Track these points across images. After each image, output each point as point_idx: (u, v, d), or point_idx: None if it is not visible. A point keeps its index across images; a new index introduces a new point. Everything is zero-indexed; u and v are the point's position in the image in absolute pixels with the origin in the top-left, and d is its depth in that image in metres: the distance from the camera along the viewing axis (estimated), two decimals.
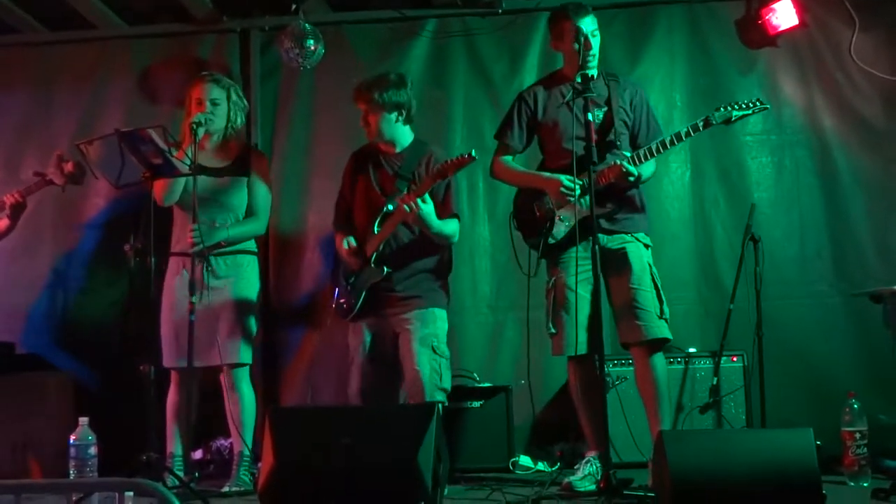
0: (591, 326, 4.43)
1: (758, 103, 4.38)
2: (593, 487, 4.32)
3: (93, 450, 4.18)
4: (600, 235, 4.46)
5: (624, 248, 4.53)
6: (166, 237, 4.96)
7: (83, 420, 4.21)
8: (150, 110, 5.76)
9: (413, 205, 4.57)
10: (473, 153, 4.52)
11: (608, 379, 4.83)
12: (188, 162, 4.60)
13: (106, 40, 5.98)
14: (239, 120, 5.05)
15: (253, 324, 4.97)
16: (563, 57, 4.75)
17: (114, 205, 5.77)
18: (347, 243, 4.83)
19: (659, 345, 4.48)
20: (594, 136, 4.27)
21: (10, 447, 5.04)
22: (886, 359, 4.76)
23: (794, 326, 5.37)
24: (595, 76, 4.60)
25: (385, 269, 4.72)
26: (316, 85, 5.84)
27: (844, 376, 5.17)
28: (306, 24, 5.49)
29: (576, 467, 4.59)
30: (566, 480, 4.45)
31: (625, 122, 4.62)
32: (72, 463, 4.17)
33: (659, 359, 4.49)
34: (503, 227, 5.62)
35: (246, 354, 4.92)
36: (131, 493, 3.58)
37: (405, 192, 4.72)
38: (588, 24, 4.54)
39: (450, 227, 4.78)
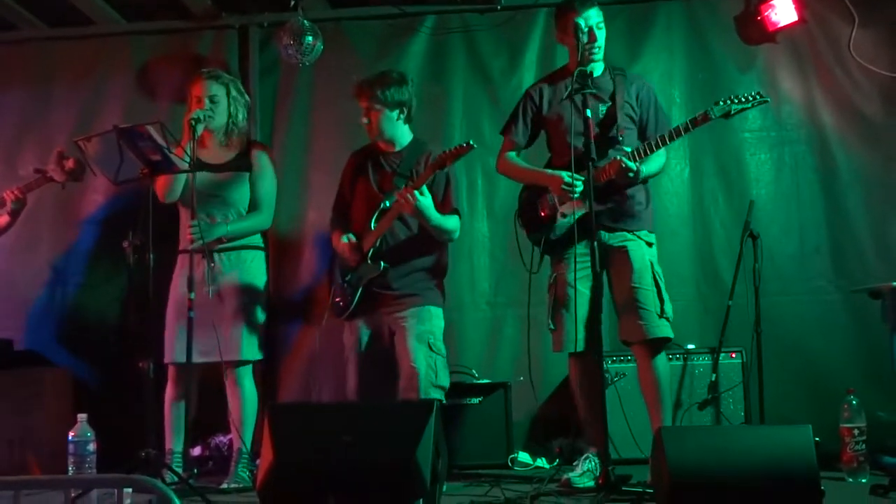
0: (591, 323, 4.43)
1: (757, 96, 4.32)
2: (592, 484, 4.32)
3: (91, 446, 4.17)
4: (602, 233, 4.46)
5: (625, 246, 4.51)
6: (166, 233, 4.95)
7: (82, 416, 4.21)
8: (149, 107, 5.76)
9: (410, 196, 4.57)
10: (472, 142, 4.52)
11: (606, 375, 4.83)
12: (187, 158, 4.60)
13: (105, 37, 5.98)
14: (240, 115, 5.04)
15: (258, 320, 4.97)
16: (568, 51, 4.73)
17: (113, 201, 5.77)
18: (348, 238, 4.82)
19: (660, 344, 4.47)
20: (592, 132, 4.27)
21: (8, 444, 5.04)
22: (885, 355, 4.76)
23: (793, 323, 5.37)
24: (602, 70, 4.60)
25: (382, 264, 4.72)
26: (315, 81, 5.83)
27: (843, 373, 5.17)
28: (305, 21, 5.48)
29: (574, 464, 4.59)
30: (565, 477, 4.46)
31: (630, 117, 4.58)
32: (70, 459, 4.17)
33: (661, 358, 4.48)
34: (502, 224, 5.64)
35: (249, 351, 4.92)
36: (130, 490, 3.57)
37: (402, 188, 4.72)
38: (593, 17, 4.52)
39: (450, 222, 4.78)
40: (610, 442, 4.27)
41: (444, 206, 4.76)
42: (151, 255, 4.48)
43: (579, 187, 4.39)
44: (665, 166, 4.77)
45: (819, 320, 5.40)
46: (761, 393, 4.93)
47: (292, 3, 5.53)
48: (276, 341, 5.61)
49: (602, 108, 4.55)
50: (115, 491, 2.69)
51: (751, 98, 4.32)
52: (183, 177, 4.83)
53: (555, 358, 5.25)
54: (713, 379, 5.12)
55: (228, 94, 5.01)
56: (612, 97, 4.56)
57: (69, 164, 4.94)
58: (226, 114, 5.00)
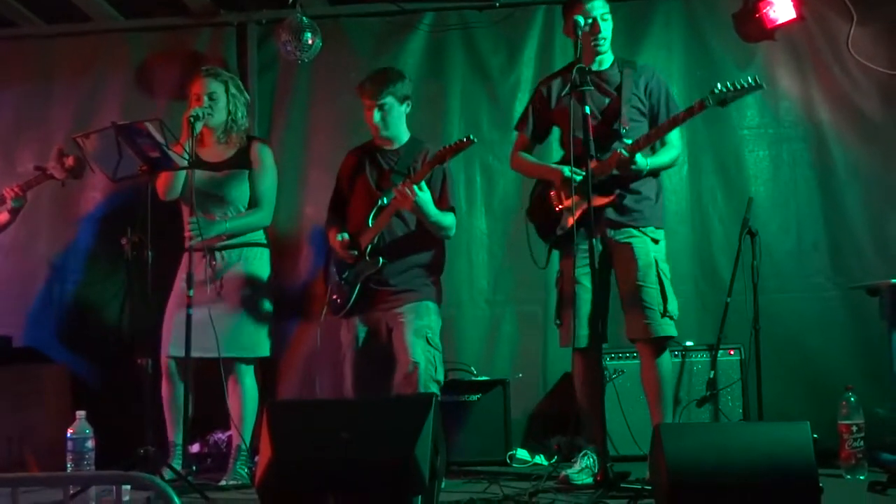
0: (595, 320, 4.43)
1: (752, 82, 4.21)
2: (590, 480, 4.32)
3: (90, 443, 4.17)
4: (607, 228, 4.45)
5: (630, 243, 4.49)
6: (165, 230, 4.95)
7: (80, 413, 4.21)
8: (148, 104, 5.76)
9: (409, 191, 4.57)
10: (472, 137, 4.51)
11: (605, 372, 4.83)
12: (186, 156, 4.59)
13: (103, 34, 5.97)
14: (240, 113, 5.04)
15: (262, 317, 4.97)
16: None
17: (111, 198, 5.77)
18: (342, 237, 4.82)
19: (663, 342, 4.47)
20: (591, 128, 4.27)
21: (6, 440, 5.04)
22: (883, 352, 4.78)
23: (791, 320, 5.37)
24: (610, 62, 4.60)
25: (380, 259, 4.72)
26: (313, 78, 5.83)
27: (841, 369, 5.17)
28: (303, 18, 5.48)
29: (573, 460, 4.59)
30: (563, 473, 4.45)
31: (638, 110, 4.55)
32: (69, 456, 4.17)
33: (664, 356, 4.48)
34: (500, 221, 5.65)
35: (253, 348, 4.92)
36: (128, 487, 3.57)
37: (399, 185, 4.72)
38: (597, 8, 4.51)
39: (447, 219, 4.78)
40: (608, 439, 4.27)
41: (440, 202, 4.76)
42: (150, 252, 4.48)
43: (582, 180, 4.35)
44: (678, 159, 4.71)
45: (817, 317, 5.40)
46: (759, 390, 4.94)
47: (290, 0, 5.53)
48: (275, 338, 5.59)
49: (606, 101, 4.53)
50: (114, 488, 2.68)
51: (745, 84, 4.22)
52: (183, 174, 4.84)
53: (553, 355, 5.27)
54: (711, 376, 5.12)
55: (227, 91, 5.01)
56: (618, 90, 4.55)
57: (69, 161, 4.94)
58: (225, 111, 4.99)
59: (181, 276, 4.90)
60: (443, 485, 4.01)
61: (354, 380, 4.82)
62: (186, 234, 4.77)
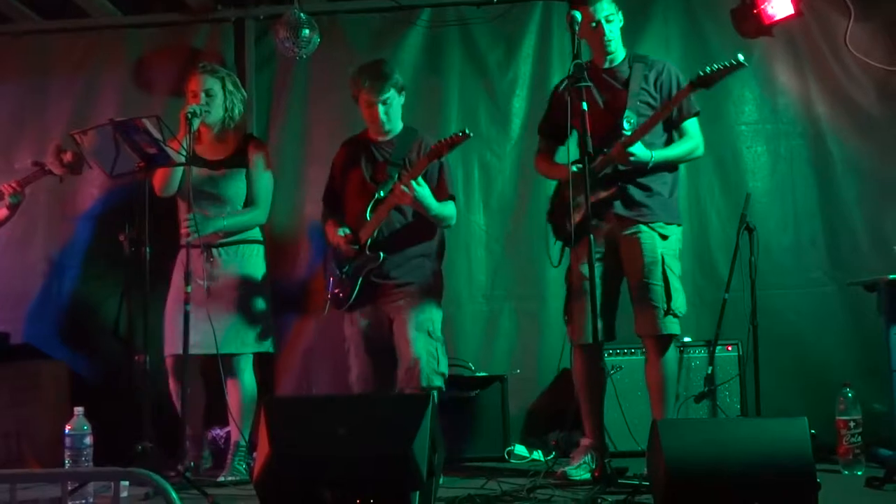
0: (602, 314, 4.40)
1: (735, 61, 4.19)
2: (588, 476, 4.32)
3: (88, 439, 4.18)
4: (615, 222, 4.46)
5: (637, 238, 4.48)
6: (163, 227, 4.95)
7: (78, 410, 4.21)
8: (145, 100, 5.75)
9: (408, 187, 4.57)
10: (467, 131, 4.51)
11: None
12: (184, 152, 4.59)
13: (100, 29, 5.96)
14: (237, 109, 5.03)
15: (258, 313, 4.97)
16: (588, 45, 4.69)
17: (109, 195, 5.76)
18: (343, 232, 4.82)
19: (666, 340, 4.47)
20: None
21: (4, 436, 5.04)
22: (881, 348, 4.77)
23: (789, 315, 5.38)
24: (622, 58, 4.60)
25: (381, 254, 4.72)
26: (311, 74, 5.83)
27: (839, 365, 5.19)
28: (301, 14, 5.47)
29: (571, 456, 4.59)
30: (561, 469, 4.45)
31: (648, 104, 4.51)
32: (67, 452, 4.17)
33: (669, 354, 4.48)
34: (498, 217, 5.66)
35: (248, 344, 4.92)
36: (127, 483, 3.58)
37: (396, 178, 4.71)
38: (601, 10, 4.51)
39: (448, 208, 4.78)
40: (606, 434, 4.27)
41: (439, 192, 4.75)
42: (148, 249, 4.48)
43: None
44: (695, 151, 4.61)
45: (815, 313, 5.40)
46: (757, 385, 4.94)
47: None
48: (275, 334, 5.60)
49: (615, 97, 4.51)
50: (112, 484, 2.69)
51: (729, 63, 4.20)
52: (180, 170, 4.84)
53: (551, 351, 5.27)
54: (709, 372, 5.12)
55: (224, 88, 5.00)
56: (626, 84, 4.54)
57: (67, 157, 4.94)
58: (222, 108, 4.98)
59: (178, 273, 4.91)
60: (441, 481, 4.02)
61: (359, 373, 4.82)
62: (183, 230, 4.77)
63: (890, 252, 4.89)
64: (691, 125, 4.56)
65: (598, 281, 4.35)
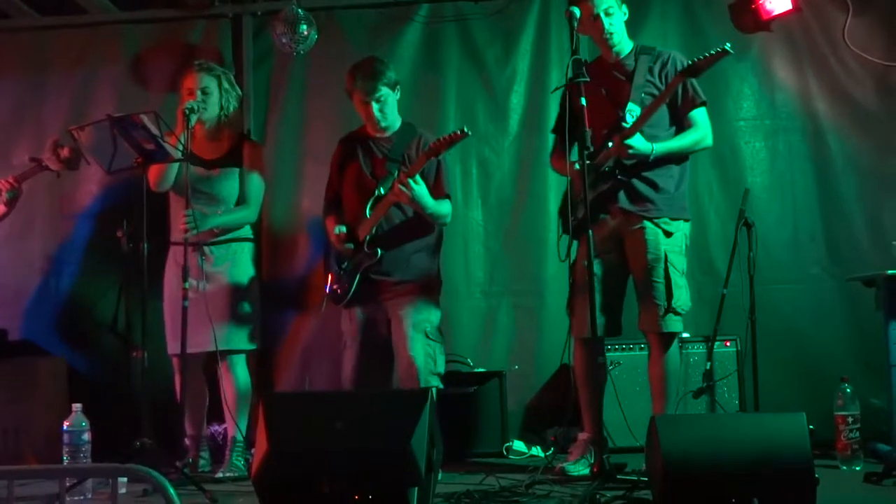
0: (603, 310, 4.40)
1: (721, 49, 4.18)
2: (587, 472, 4.32)
3: (86, 436, 4.18)
4: (620, 217, 4.45)
5: (641, 234, 4.46)
6: (161, 223, 4.95)
7: (76, 406, 4.21)
8: (142, 95, 5.75)
9: (405, 186, 4.56)
10: (466, 129, 4.50)
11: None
12: (181, 148, 4.58)
13: (97, 25, 5.96)
14: (231, 107, 5.03)
15: (248, 310, 4.97)
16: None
17: (107, 191, 5.75)
18: (339, 231, 4.82)
19: (667, 338, 4.47)
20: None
21: (2, 432, 5.04)
22: (879, 343, 4.77)
23: (788, 311, 5.39)
24: (629, 50, 4.59)
25: (378, 251, 4.72)
26: (308, 71, 5.82)
27: (837, 360, 5.19)
28: (299, 10, 5.46)
29: (569, 451, 4.59)
30: (559, 465, 4.45)
31: (653, 95, 4.47)
32: (65, 449, 4.17)
33: (672, 352, 4.48)
34: (496, 212, 5.65)
35: (241, 341, 4.92)
36: (125, 479, 3.58)
37: (396, 174, 4.71)
38: (600, 4, 4.49)
39: (444, 207, 4.77)
40: (605, 430, 4.26)
41: (436, 190, 4.75)
42: (146, 245, 4.48)
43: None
44: (701, 142, 4.58)
45: (813, 308, 5.41)
46: (756, 381, 4.94)
47: None
48: (272, 330, 5.60)
49: (620, 90, 4.50)
50: (110, 480, 2.68)
51: (715, 51, 4.19)
52: (175, 166, 4.83)
53: (549, 346, 5.27)
54: (708, 367, 5.11)
55: (220, 86, 4.99)
56: (630, 77, 4.53)
57: (64, 152, 4.93)
58: (217, 106, 4.97)
59: (172, 270, 4.91)
60: (439, 476, 4.02)
61: (355, 369, 4.81)
62: (181, 226, 4.76)
63: (889, 247, 4.89)
64: (699, 114, 4.54)
65: (603, 276, 4.35)
